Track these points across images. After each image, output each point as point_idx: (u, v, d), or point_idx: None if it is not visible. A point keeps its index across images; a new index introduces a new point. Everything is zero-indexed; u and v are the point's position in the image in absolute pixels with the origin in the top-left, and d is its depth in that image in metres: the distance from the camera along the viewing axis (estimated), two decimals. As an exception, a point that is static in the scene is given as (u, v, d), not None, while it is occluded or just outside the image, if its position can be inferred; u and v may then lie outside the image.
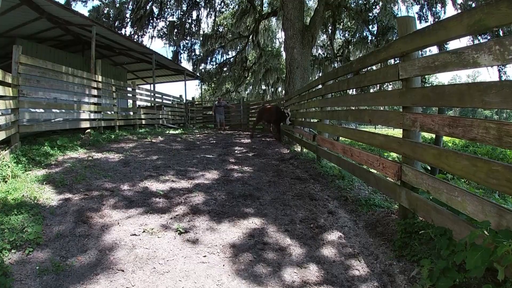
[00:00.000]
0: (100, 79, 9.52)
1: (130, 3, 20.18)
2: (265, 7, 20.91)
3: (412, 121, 2.64)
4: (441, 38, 2.30)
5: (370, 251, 2.75)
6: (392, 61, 3.49)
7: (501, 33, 11.32)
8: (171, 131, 13.36)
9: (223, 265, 2.51)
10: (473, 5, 14.03)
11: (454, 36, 2.18)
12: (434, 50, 10.60)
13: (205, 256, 2.64)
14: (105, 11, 20.83)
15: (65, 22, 11.23)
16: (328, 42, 21.08)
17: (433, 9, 16.38)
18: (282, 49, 20.96)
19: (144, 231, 3.04)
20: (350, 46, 20.03)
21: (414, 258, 2.40)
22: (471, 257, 1.63)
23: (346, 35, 20.79)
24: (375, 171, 3.53)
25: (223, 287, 2.23)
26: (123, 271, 2.40)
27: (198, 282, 2.28)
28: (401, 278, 2.27)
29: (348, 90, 5.15)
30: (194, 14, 21.27)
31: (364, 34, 19.07)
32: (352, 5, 17.74)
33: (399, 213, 3.05)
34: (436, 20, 15.53)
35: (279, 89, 25.07)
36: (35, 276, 2.30)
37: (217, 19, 22.02)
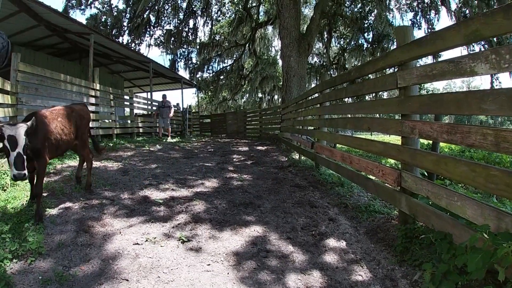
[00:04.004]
0: (98, 87, 9.53)
1: (128, 12, 20.32)
2: (261, 16, 21.12)
3: (411, 128, 2.68)
4: (439, 47, 2.36)
5: (372, 256, 2.77)
6: (389, 70, 3.55)
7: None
8: (169, 139, 13.36)
9: (228, 273, 2.52)
10: (467, 11, 14.27)
11: (451, 46, 2.24)
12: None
13: (209, 264, 2.65)
14: (103, 19, 20.97)
15: (63, 30, 11.26)
16: (324, 50, 21.27)
17: (427, 16, 16.63)
18: (278, 57, 21.19)
19: (146, 240, 3.04)
20: (345, 54, 20.24)
21: (415, 262, 2.43)
22: (472, 260, 1.67)
23: (342, 42, 21.01)
24: (374, 178, 3.57)
25: (228, 295, 2.24)
26: (127, 280, 2.40)
27: (203, 290, 2.30)
28: (403, 283, 2.30)
29: (345, 99, 5.21)
30: (191, 22, 21.58)
31: (360, 41, 19.33)
32: (348, 13, 17.96)
33: (399, 219, 3.08)
34: (430, 26, 15.80)
35: (276, 96, 25.19)
36: (38, 286, 2.29)
37: (213, 27, 22.19)
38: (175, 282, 2.39)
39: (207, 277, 2.47)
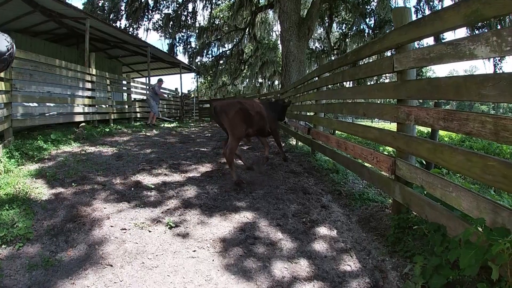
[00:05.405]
0: (94, 72, 9.41)
1: (125, -5, 19.99)
2: (261, 0, 20.71)
3: (407, 114, 2.59)
4: (437, 29, 2.24)
5: (363, 246, 2.71)
6: (388, 53, 3.44)
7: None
8: (166, 125, 13.27)
9: (213, 260, 2.47)
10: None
11: (450, 27, 2.13)
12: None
13: (194, 251, 2.60)
14: (100, 4, 20.69)
15: (59, 15, 11.07)
16: (325, 35, 20.97)
17: (431, 3, 16.28)
18: (278, 41, 20.83)
19: (134, 225, 2.99)
20: (347, 39, 19.95)
21: (407, 254, 2.37)
22: (465, 255, 1.59)
23: (343, 28, 20.70)
24: (369, 165, 3.49)
25: (211, 283, 2.19)
26: (111, 266, 2.38)
27: (186, 277, 2.25)
28: (393, 275, 2.24)
29: (343, 83, 5.10)
30: (190, 6, 21.17)
31: (361, 27, 19.00)
32: (350, -2, 17.61)
33: (393, 208, 3.01)
34: (434, 13, 15.49)
35: (276, 82, 25.00)
36: (25, 271, 2.28)
37: (213, 11, 21.84)
38: (159, 268, 2.35)
39: (191, 263, 2.42)
